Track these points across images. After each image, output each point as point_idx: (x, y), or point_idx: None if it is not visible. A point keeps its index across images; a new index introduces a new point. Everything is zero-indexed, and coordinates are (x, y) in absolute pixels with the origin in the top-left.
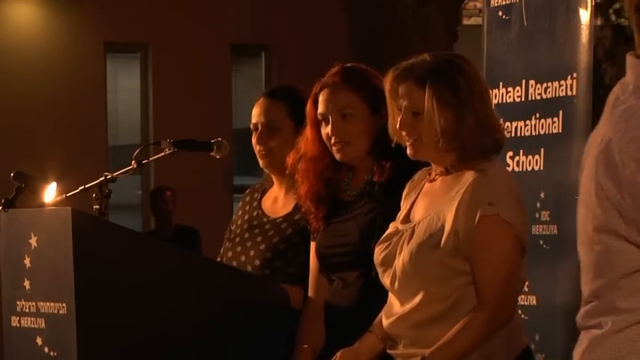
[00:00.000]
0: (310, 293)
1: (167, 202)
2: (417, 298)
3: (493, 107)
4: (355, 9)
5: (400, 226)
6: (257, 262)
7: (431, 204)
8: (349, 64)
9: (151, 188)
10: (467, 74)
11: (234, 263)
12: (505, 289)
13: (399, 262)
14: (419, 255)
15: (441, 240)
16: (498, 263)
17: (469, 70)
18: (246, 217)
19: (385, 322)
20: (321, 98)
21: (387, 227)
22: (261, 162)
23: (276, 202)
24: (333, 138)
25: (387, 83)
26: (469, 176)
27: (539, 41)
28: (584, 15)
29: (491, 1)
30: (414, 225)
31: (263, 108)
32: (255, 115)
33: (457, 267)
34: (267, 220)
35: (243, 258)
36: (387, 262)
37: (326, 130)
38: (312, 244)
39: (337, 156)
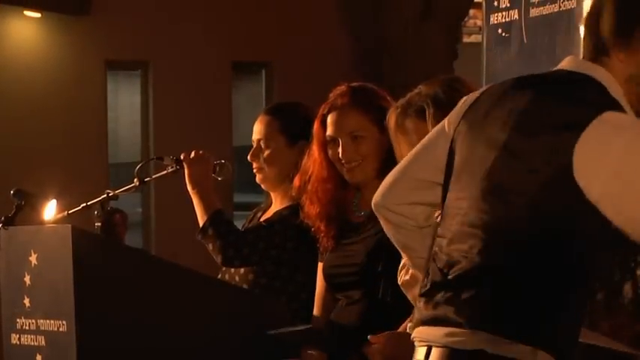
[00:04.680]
0: (315, 312)
1: (116, 225)
2: None
3: None
4: (355, 26)
5: None
6: (250, 277)
7: None
8: (356, 84)
9: (148, 206)
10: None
11: (237, 278)
12: None
13: None
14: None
15: None
16: None
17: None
18: None
19: None
20: (330, 120)
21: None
22: (256, 178)
23: (269, 214)
24: (343, 159)
25: (390, 121)
26: None
27: (539, 58)
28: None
29: (491, 19)
30: None
31: (259, 124)
32: (254, 131)
33: None
34: None
35: (242, 270)
36: None
37: (336, 151)
38: (320, 264)
39: (347, 177)
